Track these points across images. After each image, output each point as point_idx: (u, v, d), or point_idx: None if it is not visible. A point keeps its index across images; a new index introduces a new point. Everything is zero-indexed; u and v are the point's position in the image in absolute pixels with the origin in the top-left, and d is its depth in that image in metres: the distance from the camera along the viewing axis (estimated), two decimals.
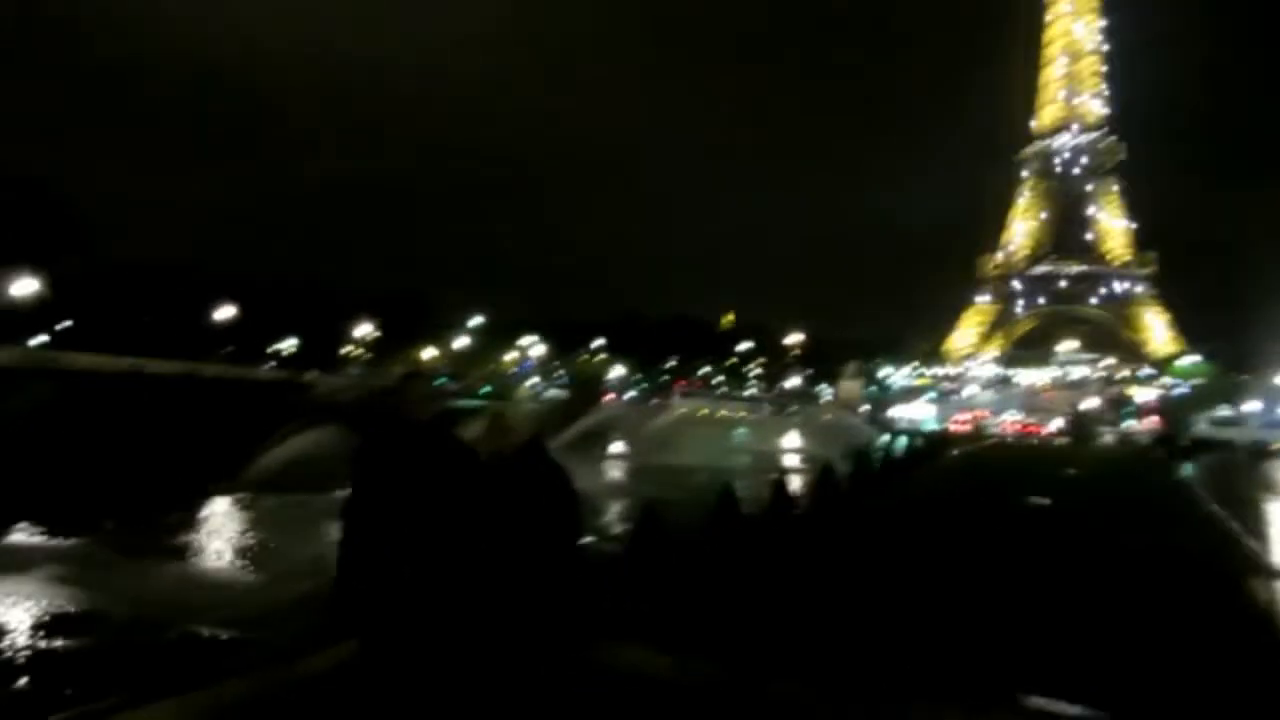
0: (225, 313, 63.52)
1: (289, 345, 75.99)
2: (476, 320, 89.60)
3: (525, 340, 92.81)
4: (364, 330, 76.15)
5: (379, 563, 3.40)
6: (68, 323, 60.37)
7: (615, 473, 28.74)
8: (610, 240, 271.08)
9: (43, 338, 55.23)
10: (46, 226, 56.29)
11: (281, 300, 70.83)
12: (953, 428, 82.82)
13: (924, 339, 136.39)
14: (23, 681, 8.21)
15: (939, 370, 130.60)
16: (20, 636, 9.29)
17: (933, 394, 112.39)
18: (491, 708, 3.28)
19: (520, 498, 3.46)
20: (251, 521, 16.59)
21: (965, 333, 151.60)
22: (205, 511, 17.48)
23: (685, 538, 9.38)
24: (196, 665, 8.24)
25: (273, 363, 71.75)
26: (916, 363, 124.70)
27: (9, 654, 8.83)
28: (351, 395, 46.95)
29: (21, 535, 13.84)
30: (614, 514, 18.88)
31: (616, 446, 34.55)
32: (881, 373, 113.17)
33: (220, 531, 16.15)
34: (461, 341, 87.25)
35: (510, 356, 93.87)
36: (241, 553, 14.37)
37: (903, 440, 35.72)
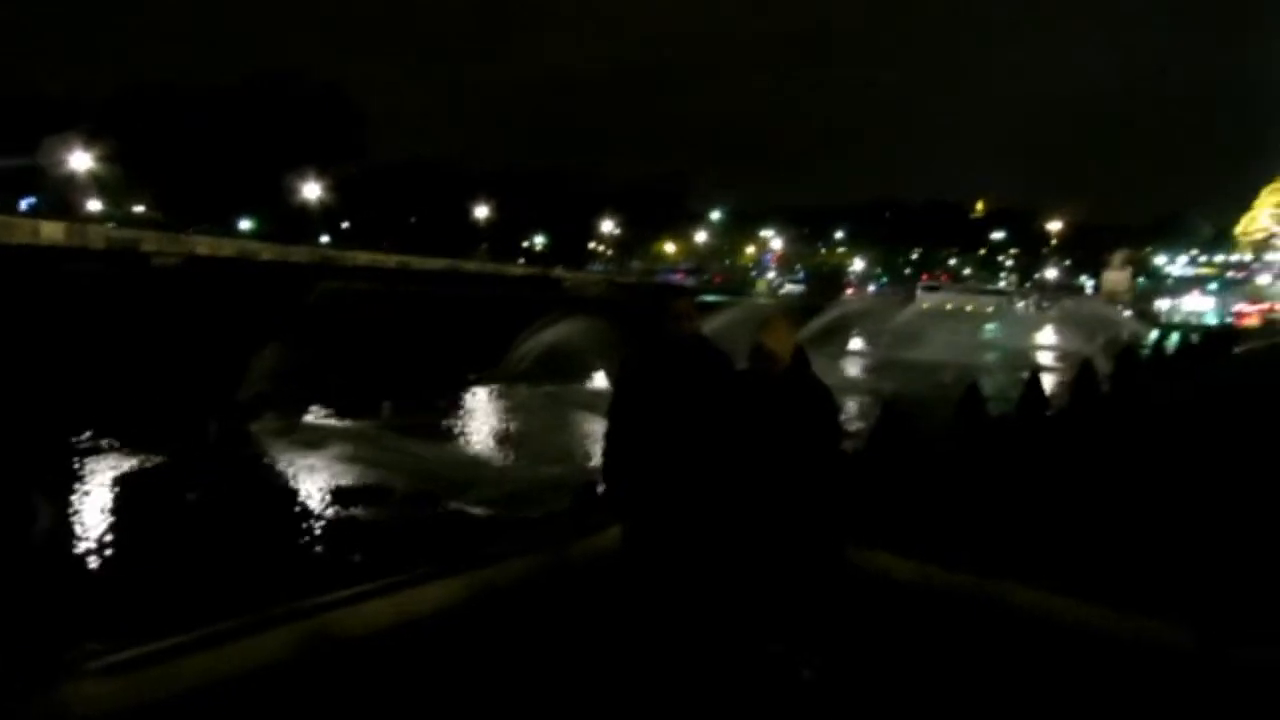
0: (482, 210, 67.34)
1: (540, 241, 79.56)
2: (717, 214, 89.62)
3: (766, 232, 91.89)
4: (608, 225, 78.16)
5: (642, 465, 3.55)
6: (346, 224, 66.41)
7: (854, 370, 28.26)
8: (865, 118, 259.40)
9: (326, 238, 61.09)
10: (334, 130, 61.35)
11: (533, 195, 73.89)
12: (1240, 322, 74.25)
13: (1209, 221, 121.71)
14: (321, 547, 9.44)
15: (1226, 257, 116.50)
16: (316, 505, 10.63)
17: (1216, 284, 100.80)
18: (747, 602, 3.41)
19: (783, 418, 3.46)
20: (508, 409, 17.87)
21: (1262, 213, 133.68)
22: (468, 398, 18.99)
23: (927, 438, 9.09)
24: (469, 543, 9.13)
25: (524, 258, 75.64)
26: (1196, 250, 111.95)
27: (309, 521, 10.15)
28: (598, 290, 48.79)
29: (314, 417, 15.68)
30: (852, 412, 18.65)
31: (857, 342, 33.86)
32: (1156, 261, 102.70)
33: (481, 417, 17.54)
34: (702, 235, 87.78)
35: (750, 250, 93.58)
36: (500, 437, 15.58)
37: (1175, 336, 32.59)
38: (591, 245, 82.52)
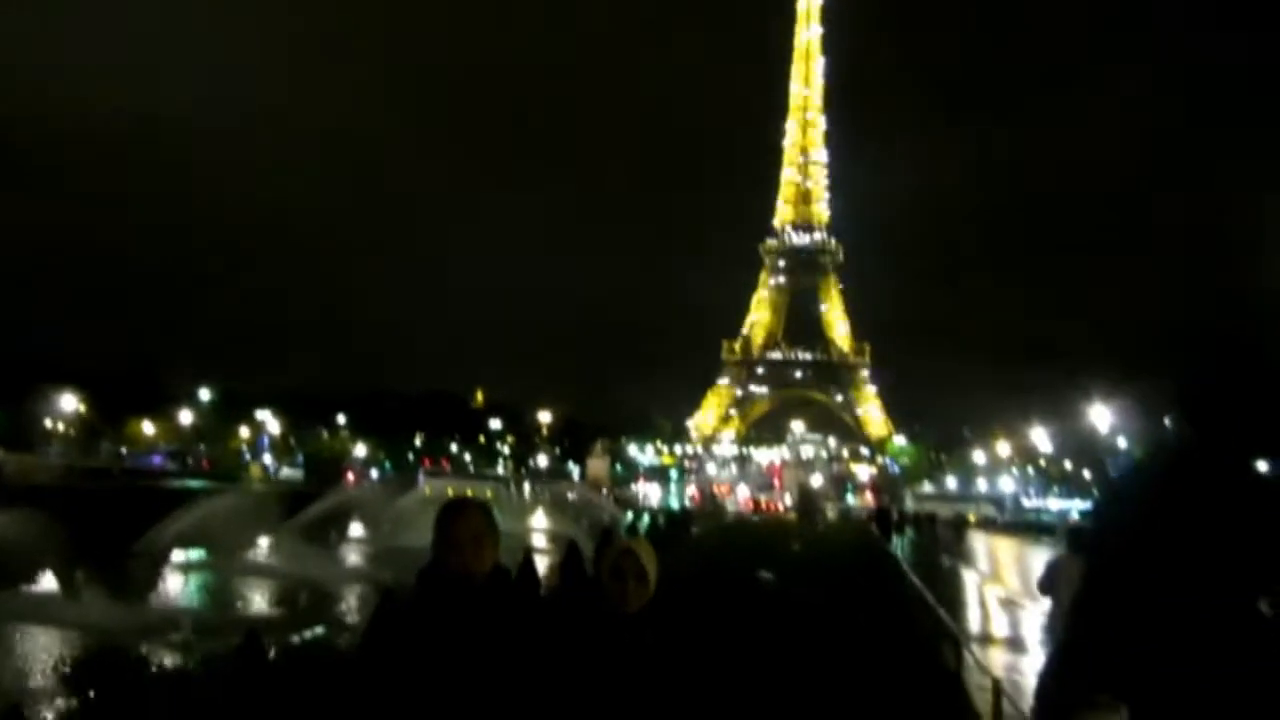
0: None
1: None
2: (205, 393, 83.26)
3: (261, 415, 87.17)
4: (70, 403, 68.48)
5: None
6: None
7: (354, 557, 27.42)
8: (349, 307, 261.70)
9: None
10: None
11: None
12: (693, 504, 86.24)
13: (668, 419, 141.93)
14: None
15: (683, 449, 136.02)
16: None
17: (676, 472, 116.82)
18: None
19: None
20: None
21: (708, 413, 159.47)
22: None
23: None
24: None
25: None
26: (660, 442, 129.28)
27: None
28: (49, 477, 41.96)
29: None
30: (350, 604, 17.98)
31: (357, 529, 33.04)
32: (630, 451, 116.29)
33: None
34: (187, 417, 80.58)
35: (244, 433, 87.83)
36: None
37: (645, 519, 36.69)
38: (49, 424, 71.39)
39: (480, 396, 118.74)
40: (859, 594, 16.32)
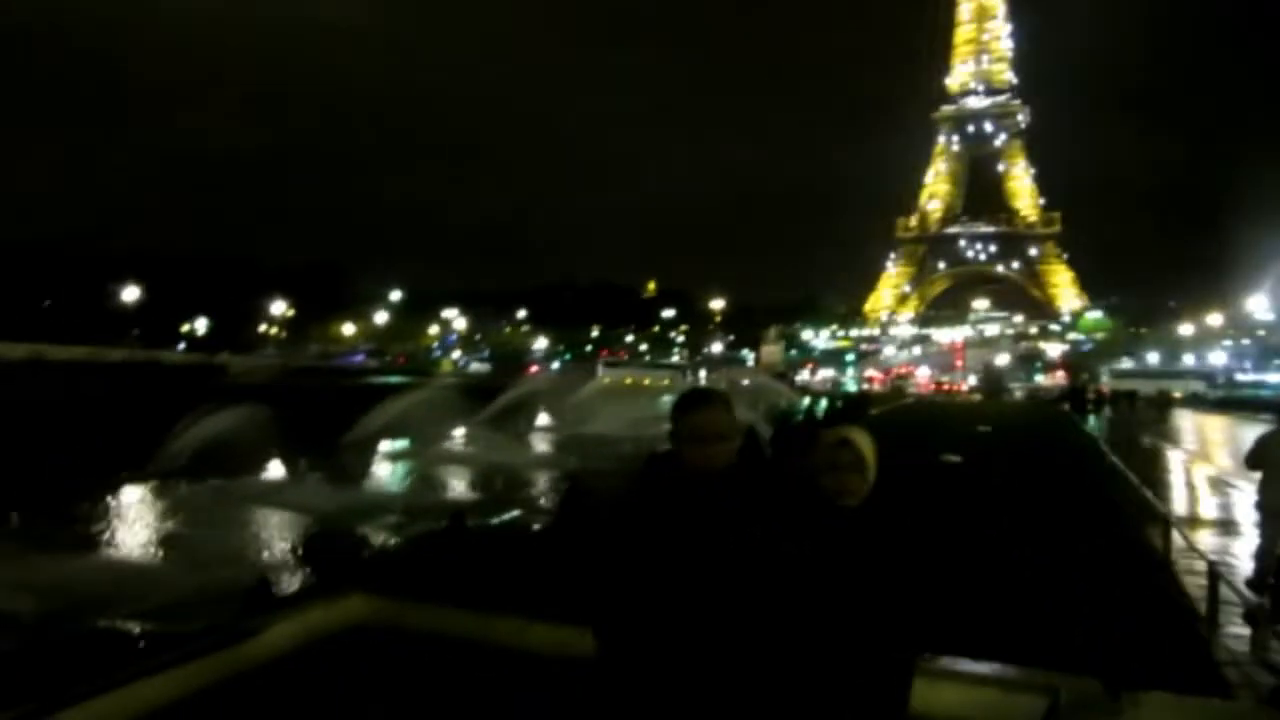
0: (131, 293, 61.15)
1: (201, 325, 73.71)
2: (397, 294, 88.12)
3: (447, 313, 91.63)
4: (279, 307, 74.13)
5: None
6: None
7: (542, 445, 28.70)
8: (532, 208, 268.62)
9: None
10: None
11: (191, 277, 68.45)
12: (873, 387, 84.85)
13: (844, 302, 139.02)
14: None
15: (859, 332, 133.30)
16: None
17: (853, 355, 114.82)
18: None
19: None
20: (163, 509, 16.14)
21: (883, 294, 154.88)
22: (115, 500, 16.94)
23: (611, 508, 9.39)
24: (118, 662, 8.02)
25: (184, 344, 69.54)
26: (836, 325, 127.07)
27: None
28: (268, 376, 45.86)
29: None
30: (541, 487, 18.89)
31: (542, 419, 34.47)
32: (803, 336, 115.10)
33: (131, 520, 15.68)
34: (381, 316, 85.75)
35: (433, 330, 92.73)
36: (153, 542, 13.99)
37: (823, 402, 36.39)
38: (262, 328, 77.74)
39: (652, 286, 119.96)
40: (1054, 476, 15.69)
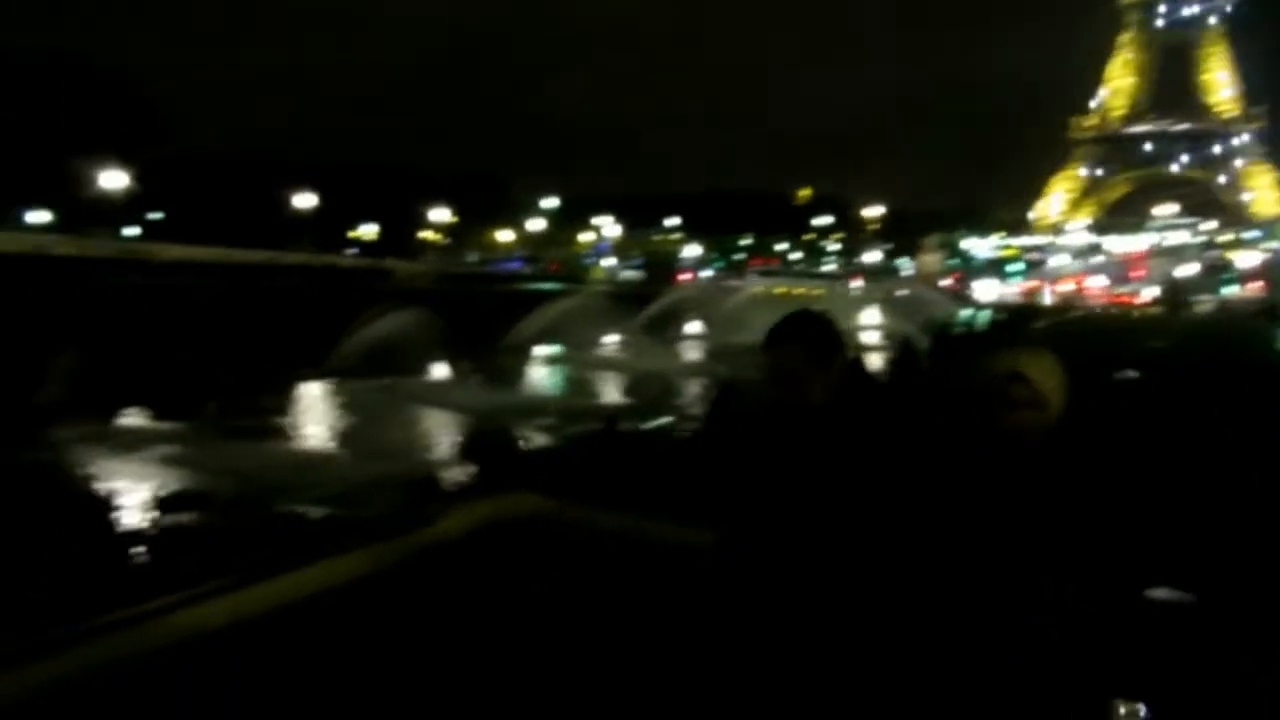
0: (305, 200, 64.45)
1: (368, 231, 77.14)
2: (551, 201, 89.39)
3: (599, 220, 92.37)
4: (441, 214, 76.56)
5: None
6: (158, 214, 62.26)
7: (692, 353, 28.88)
8: (683, 113, 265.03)
9: (134, 229, 57.02)
10: (127, 117, 57.44)
11: (359, 185, 71.41)
12: (1041, 298, 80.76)
13: (1009, 208, 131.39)
14: (142, 557, 8.82)
15: (1026, 240, 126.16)
16: (135, 513, 9.93)
17: (1019, 265, 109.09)
18: None
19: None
20: (339, 405, 17.25)
21: (1054, 199, 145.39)
22: (296, 395, 18.21)
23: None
24: (304, 542, 8.72)
25: (353, 249, 73.09)
26: (1002, 233, 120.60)
27: (127, 529, 9.47)
28: (427, 282, 47.73)
29: (131, 419, 14.63)
30: (691, 394, 19.07)
31: (693, 326, 34.59)
32: (964, 244, 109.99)
33: (312, 414, 16.86)
34: (536, 224, 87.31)
35: (585, 238, 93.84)
36: (332, 434, 15.02)
37: (985, 314, 34.94)
38: (423, 235, 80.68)
39: (806, 193, 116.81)
40: (1246, 399, 14.59)
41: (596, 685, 3.05)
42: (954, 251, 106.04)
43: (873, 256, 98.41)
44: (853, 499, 2.06)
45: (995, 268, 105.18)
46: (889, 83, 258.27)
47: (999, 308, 53.49)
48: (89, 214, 51.41)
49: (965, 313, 42.63)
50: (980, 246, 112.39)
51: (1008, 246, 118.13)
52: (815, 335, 2.26)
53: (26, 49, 56.66)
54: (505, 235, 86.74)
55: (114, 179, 51.85)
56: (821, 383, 2.19)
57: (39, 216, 54.72)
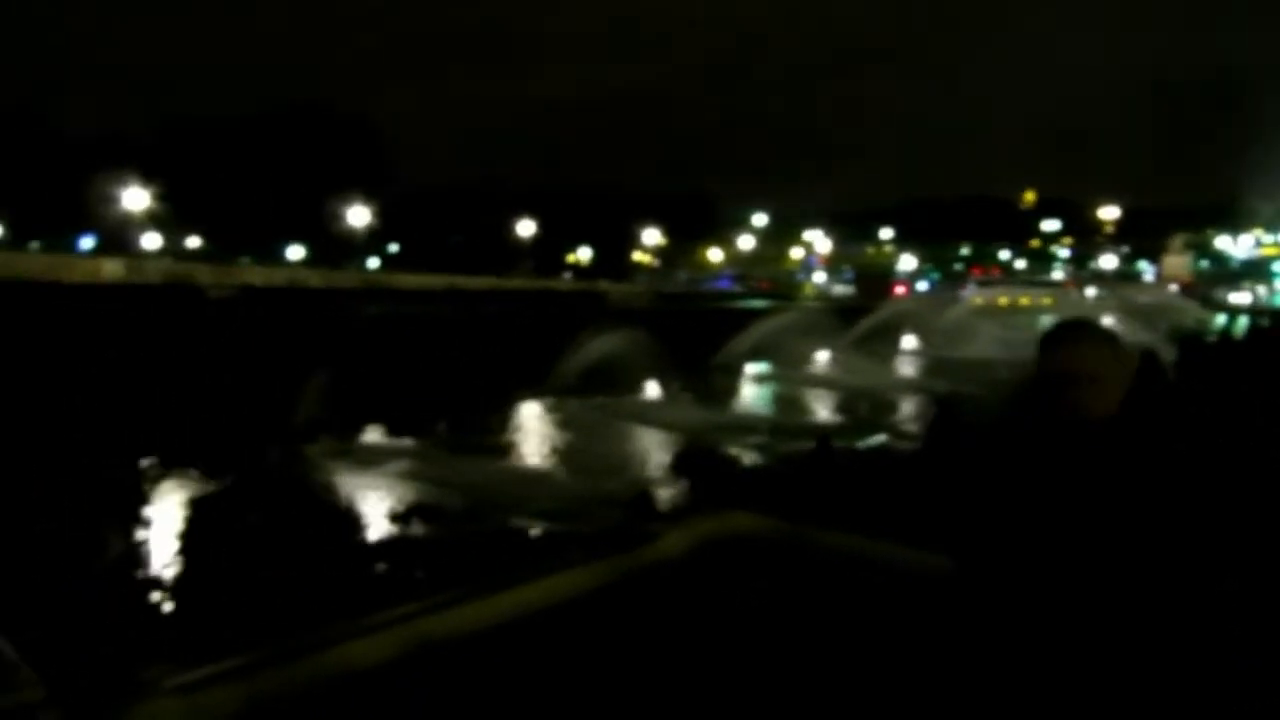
0: (525, 227, 67.81)
1: (583, 255, 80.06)
2: (760, 218, 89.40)
3: (809, 235, 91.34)
4: (653, 235, 78.27)
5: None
6: (394, 246, 67.55)
7: (907, 369, 27.92)
8: (894, 119, 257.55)
9: (375, 261, 62.13)
10: (366, 157, 62.83)
11: (574, 210, 74.31)
12: None
13: (1270, 201, 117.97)
14: (380, 565, 9.53)
15: None
16: (375, 523, 10.75)
17: None
18: None
19: None
20: (559, 423, 17.92)
21: None
22: (519, 414, 19.10)
23: (981, 435, 8.92)
24: (531, 555, 9.13)
25: (569, 273, 76.07)
26: (1261, 230, 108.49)
27: (368, 539, 10.26)
28: (641, 302, 48.86)
29: (371, 436, 15.87)
30: (907, 412, 18.43)
31: (908, 341, 33.45)
32: (1216, 244, 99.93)
33: (534, 432, 17.62)
34: (746, 241, 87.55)
35: (795, 254, 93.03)
36: (554, 452, 15.62)
37: (1243, 320, 31.62)
38: (635, 256, 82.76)
39: (1030, 196, 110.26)
40: None
41: (828, 707, 3.02)
42: (1204, 252, 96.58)
43: (1108, 261, 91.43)
44: (1159, 529, 1.89)
45: (1258, 270, 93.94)
46: (1127, 71, 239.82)
47: (1258, 312, 48.16)
48: (338, 248, 56.63)
49: (1220, 319, 38.72)
50: (1237, 245, 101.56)
51: (1268, 244, 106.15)
52: (1109, 334, 2.14)
53: (277, 99, 63.75)
54: (715, 254, 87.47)
55: (358, 215, 56.86)
56: (1119, 386, 2.03)
57: (296, 252, 60.85)
